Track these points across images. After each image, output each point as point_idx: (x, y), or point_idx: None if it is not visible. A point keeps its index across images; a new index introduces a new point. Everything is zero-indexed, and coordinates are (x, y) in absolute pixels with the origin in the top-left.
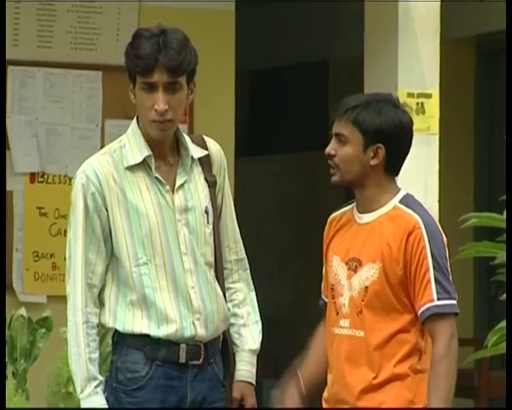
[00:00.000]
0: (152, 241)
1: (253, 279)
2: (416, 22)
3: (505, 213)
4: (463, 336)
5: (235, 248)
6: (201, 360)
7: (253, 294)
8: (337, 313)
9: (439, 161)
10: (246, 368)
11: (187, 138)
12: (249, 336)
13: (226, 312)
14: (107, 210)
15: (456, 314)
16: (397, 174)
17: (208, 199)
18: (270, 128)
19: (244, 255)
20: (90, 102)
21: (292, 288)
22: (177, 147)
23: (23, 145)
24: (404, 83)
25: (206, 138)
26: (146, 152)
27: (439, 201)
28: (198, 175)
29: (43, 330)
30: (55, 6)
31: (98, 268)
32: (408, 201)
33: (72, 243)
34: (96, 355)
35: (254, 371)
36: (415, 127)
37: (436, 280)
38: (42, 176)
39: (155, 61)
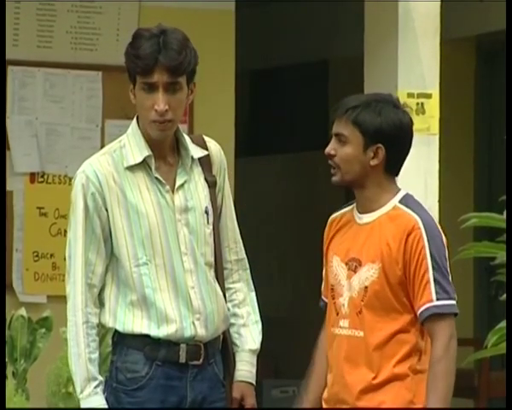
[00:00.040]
0: (152, 241)
1: (253, 279)
2: (416, 22)
3: (505, 213)
4: (463, 336)
5: (235, 249)
6: (201, 360)
7: (253, 294)
8: (337, 314)
9: (439, 161)
10: (246, 368)
11: (187, 138)
12: (249, 337)
13: (226, 312)
14: (107, 210)
15: (456, 315)
16: (397, 174)
17: (208, 199)
18: (270, 128)
19: (244, 255)
20: (90, 103)
21: (292, 288)
22: (177, 147)
23: (23, 145)
24: (404, 83)
25: (206, 138)
26: (146, 152)
27: (439, 201)
28: (198, 175)
29: (43, 330)
30: (55, 6)
31: (98, 268)
32: (408, 201)
33: (72, 243)
34: (95, 356)
35: (254, 371)
36: (415, 127)
37: (435, 280)
38: (42, 176)
39: (155, 61)
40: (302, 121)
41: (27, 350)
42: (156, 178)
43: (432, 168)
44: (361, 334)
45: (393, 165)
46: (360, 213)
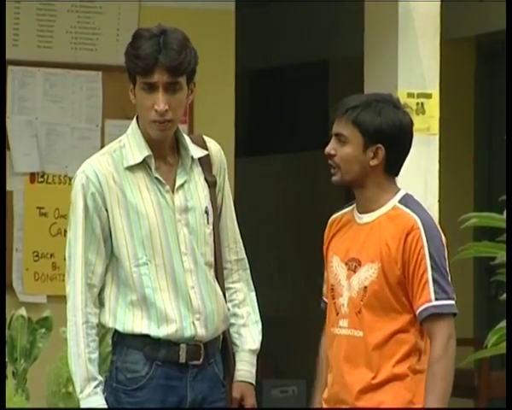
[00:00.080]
0: (152, 241)
1: (253, 279)
2: (416, 22)
3: (505, 213)
4: (463, 336)
5: (235, 249)
6: (201, 360)
7: (253, 294)
8: (337, 314)
9: (439, 161)
10: (246, 368)
11: (187, 138)
12: (249, 336)
13: (226, 312)
14: (106, 210)
15: (455, 315)
16: (397, 175)
17: (208, 199)
18: (270, 128)
19: (244, 255)
20: (90, 102)
21: (292, 288)
22: (177, 147)
23: (23, 145)
24: (404, 83)
25: (206, 138)
26: (146, 152)
27: (439, 201)
28: (198, 175)
29: (43, 330)
30: (55, 6)
31: (98, 268)
32: (407, 201)
33: (72, 243)
34: (95, 356)
35: (254, 371)
36: (415, 127)
37: (434, 280)
38: (42, 176)
39: (155, 61)
40: (302, 121)
41: (27, 350)
42: (156, 178)
43: (432, 168)
44: (360, 334)
45: (393, 165)
46: (360, 213)
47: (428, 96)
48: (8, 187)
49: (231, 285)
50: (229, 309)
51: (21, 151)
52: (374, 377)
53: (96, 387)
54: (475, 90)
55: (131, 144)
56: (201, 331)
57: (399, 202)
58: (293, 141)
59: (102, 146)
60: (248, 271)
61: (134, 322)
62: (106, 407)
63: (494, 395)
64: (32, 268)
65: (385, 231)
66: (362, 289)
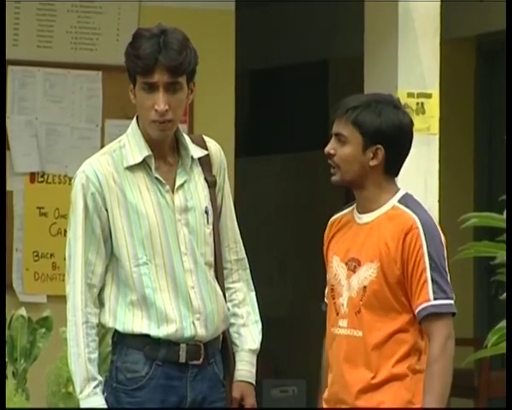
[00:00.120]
0: (152, 241)
1: (252, 279)
2: (416, 22)
3: (505, 213)
4: (463, 336)
5: (235, 248)
6: (201, 359)
7: (253, 294)
8: (337, 314)
9: (439, 161)
10: (245, 368)
11: (187, 138)
12: (249, 336)
13: (226, 312)
14: (106, 210)
15: (454, 314)
16: (396, 175)
17: (208, 199)
18: (270, 128)
19: (244, 255)
20: (90, 102)
21: (292, 288)
22: (177, 147)
23: (23, 145)
24: (404, 83)
25: (206, 138)
26: (146, 152)
27: (439, 201)
28: (198, 175)
29: (43, 330)
30: (55, 6)
31: (98, 268)
32: (407, 200)
33: (72, 243)
34: (95, 356)
35: (254, 371)
36: (415, 127)
37: (433, 280)
38: (42, 176)
39: (156, 61)
40: (302, 121)
41: (27, 350)
42: (156, 178)
43: (432, 168)
44: (360, 334)
45: (393, 165)
46: (360, 213)
47: (428, 96)
48: (8, 187)
49: (231, 285)
50: (228, 309)
51: (21, 151)
52: (373, 377)
53: (95, 387)
54: (475, 90)
55: (131, 144)
56: (201, 331)
57: (399, 201)
58: (293, 141)
59: (102, 146)
60: (248, 271)
61: (134, 322)
62: (105, 407)
63: (494, 395)
64: (31, 268)
65: (384, 231)
66: (361, 288)
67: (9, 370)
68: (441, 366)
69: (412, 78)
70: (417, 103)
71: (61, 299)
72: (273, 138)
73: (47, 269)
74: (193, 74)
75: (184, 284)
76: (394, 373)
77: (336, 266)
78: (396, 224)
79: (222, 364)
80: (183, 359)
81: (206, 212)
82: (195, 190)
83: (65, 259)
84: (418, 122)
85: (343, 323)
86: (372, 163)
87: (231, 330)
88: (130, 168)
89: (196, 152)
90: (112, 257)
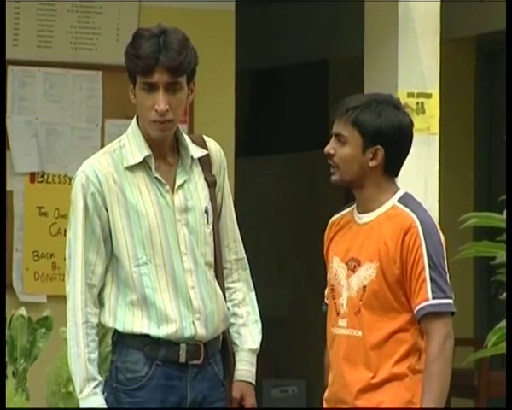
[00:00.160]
0: (152, 241)
1: (252, 279)
2: (416, 22)
3: (505, 213)
4: (463, 336)
5: (235, 248)
6: (201, 359)
7: (253, 294)
8: (337, 314)
9: (439, 161)
10: (245, 368)
11: (187, 138)
12: (249, 336)
13: (226, 312)
14: (106, 210)
15: (453, 314)
16: (396, 175)
17: (208, 199)
18: (270, 128)
19: (244, 255)
20: (90, 102)
21: (292, 288)
22: (177, 147)
23: (23, 145)
24: (404, 83)
25: (206, 138)
26: (146, 152)
27: (439, 201)
28: (198, 175)
29: (43, 329)
30: (55, 6)
31: (98, 268)
32: (406, 200)
33: (72, 243)
34: (95, 356)
35: (254, 370)
36: (415, 127)
37: (431, 279)
38: (42, 176)
39: (156, 61)
40: (302, 121)
41: (27, 350)
42: (156, 177)
43: (432, 168)
44: (359, 333)
45: (393, 166)
46: (360, 213)
47: (428, 96)
48: (8, 187)
49: (231, 285)
50: (228, 309)
51: (21, 151)
52: (373, 377)
53: (95, 387)
54: (475, 90)
55: (131, 144)
56: (201, 331)
57: (398, 201)
58: (293, 141)
59: (102, 146)
60: (248, 270)
61: (134, 322)
62: (105, 407)
63: (494, 395)
64: (31, 268)
65: (384, 231)
66: (361, 288)
67: (9, 370)
68: (440, 366)
69: (412, 78)
70: (417, 103)
71: (61, 299)
72: (273, 138)
73: (47, 269)
74: (193, 74)
75: (184, 283)
76: (394, 373)
77: (336, 267)
78: (395, 223)
79: (222, 364)
80: (183, 359)
81: (206, 212)
82: (195, 190)
83: (65, 259)
84: (418, 122)
85: (343, 323)
86: (372, 164)
87: (231, 330)
88: (130, 168)
89: (196, 152)
90: (112, 257)
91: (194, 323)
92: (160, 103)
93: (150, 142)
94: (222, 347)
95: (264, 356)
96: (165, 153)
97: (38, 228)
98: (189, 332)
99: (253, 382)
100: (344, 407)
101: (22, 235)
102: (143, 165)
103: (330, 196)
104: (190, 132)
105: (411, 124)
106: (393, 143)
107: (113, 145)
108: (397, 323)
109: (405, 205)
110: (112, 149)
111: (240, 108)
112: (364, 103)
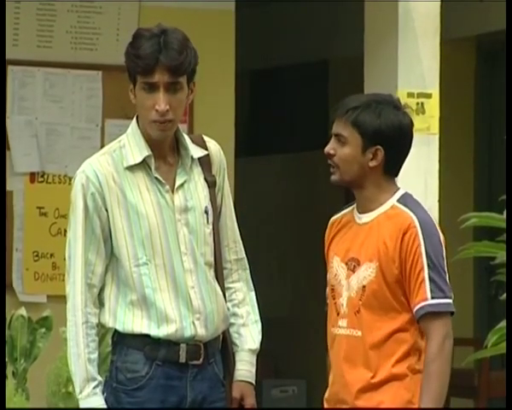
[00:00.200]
0: (152, 241)
1: (252, 279)
2: (416, 22)
3: (505, 213)
4: (463, 336)
5: (235, 248)
6: (201, 359)
7: (253, 293)
8: (337, 314)
9: (439, 161)
10: (245, 368)
11: (187, 138)
12: (249, 336)
13: (226, 312)
14: (106, 210)
15: (452, 313)
16: (396, 175)
17: (208, 199)
18: (270, 128)
19: (244, 255)
20: (90, 102)
21: (292, 288)
22: (177, 147)
23: (23, 145)
24: (404, 83)
25: (206, 138)
26: (146, 152)
27: (439, 201)
28: (198, 175)
29: (43, 330)
30: (55, 6)
31: (98, 268)
32: (406, 200)
33: (72, 243)
34: (95, 356)
35: (254, 370)
36: (415, 127)
37: (430, 279)
38: (42, 176)
39: (156, 61)
40: (302, 121)
41: (27, 350)
42: (156, 178)
43: (432, 168)
44: (359, 333)
45: (393, 166)
46: (360, 213)
47: (428, 96)
48: (8, 187)
49: (231, 285)
50: (228, 309)
51: (21, 151)
52: (373, 377)
53: (95, 387)
54: (475, 90)
55: (131, 144)
56: (201, 331)
57: (398, 201)
58: (293, 141)
59: (102, 146)
60: (248, 270)
61: (134, 322)
62: (105, 407)
63: (494, 395)
64: (31, 268)
65: (383, 231)
66: (360, 288)
67: (9, 370)
68: (438, 366)
69: (412, 78)
70: (417, 103)
71: (61, 299)
72: (273, 138)
73: (47, 269)
74: (193, 74)
75: (184, 283)
76: (394, 373)
77: (337, 267)
78: (394, 223)
79: (222, 364)
80: (183, 359)
81: (206, 212)
82: (195, 190)
83: (65, 259)
84: (418, 122)
85: (343, 323)
86: (372, 164)
87: (231, 330)
88: (130, 168)
89: (196, 152)
90: (112, 257)
91: (194, 323)
92: (161, 103)
93: (150, 142)
94: (222, 347)
95: (264, 356)
96: (165, 153)
97: (38, 228)
98: (188, 332)
99: (253, 382)
100: (344, 407)
101: (22, 235)
102: (143, 165)
103: (330, 196)
104: (190, 132)
105: (411, 124)
106: (393, 143)
107: (112, 145)
108: (396, 323)
109: (405, 205)
110: (112, 149)
111: (240, 108)
112: (364, 104)
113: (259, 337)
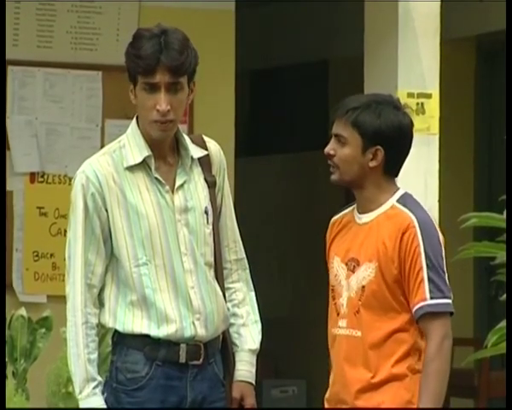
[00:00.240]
0: (152, 241)
1: (252, 279)
2: (416, 22)
3: (505, 213)
4: (463, 336)
5: (235, 248)
6: (201, 360)
7: (253, 294)
8: (338, 314)
9: (439, 161)
10: (245, 368)
11: (187, 138)
12: (249, 336)
13: (226, 312)
14: (106, 211)
15: (452, 314)
16: (396, 175)
17: (208, 199)
18: (270, 128)
19: (243, 255)
20: (90, 102)
21: (292, 288)
22: (177, 147)
23: (23, 145)
24: (404, 83)
25: (206, 138)
26: (146, 152)
27: (439, 201)
28: (198, 175)
29: (43, 330)
30: (55, 6)
31: (98, 269)
32: (405, 200)
33: (72, 243)
34: (94, 356)
35: (254, 370)
36: (415, 127)
37: (429, 279)
38: (42, 176)
39: (157, 61)
40: (302, 121)
41: (27, 350)
42: (156, 178)
43: (432, 168)
44: (358, 334)
45: (393, 166)
46: (359, 213)
47: (428, 96)
48: (8, 187)
49: (231, 285)
50: (228, 309)
51: (21, 151)
52: (373, 377)
53: (95, 388)
54: (475, 90)
55: (131, 144)
56: (201, 331)
57: (398, 201)
58: (293, 141)
59: (102, 146)
60: (248, 270)
61: (134, 322)
62: (105, 407)
63: (494, 395)
64: (32, 268)
65: (382, 231)
66: (360, 288)
67: (9, 370)
68: (437, 366)
69: (412, 78)
70: (417, 103)
71: (61, 299)
72: (273, 138)
73: (47, 269)
74: (193, 74)
75: (184, 284)
76: (394, 373)
77: (337, 267)
78: (393, 223)
79: (222, 364)
80: (183, 359)
81: (206, 212)
82: (195, 191)
83: (65, 259)
84: (418, 122)
85: (343, 323)
86: (372, 164)
87: (231, 330)
88: (130, 168)
89: (196, 152)
90: (112, 257)
91: (194, 323)
92: (162, 103)
93: (150, 142)
94: (222, 347)
95: (264, 356)
96: (165, 153)
97: (38, 228)
98: (188, 332)
99: (253, 382)
100: (344, 407)
101: (22, 235)
102: (143, 165)
103: (330, 196)
104: (190, 132)
105: (411, 124)
106: (393, 143)
107: (112, 146)
108: (396, 323)
109: (404, 205)
110: (112, 149)
111: (240, 108)
112: (364, 104)
113: (259, 337)
